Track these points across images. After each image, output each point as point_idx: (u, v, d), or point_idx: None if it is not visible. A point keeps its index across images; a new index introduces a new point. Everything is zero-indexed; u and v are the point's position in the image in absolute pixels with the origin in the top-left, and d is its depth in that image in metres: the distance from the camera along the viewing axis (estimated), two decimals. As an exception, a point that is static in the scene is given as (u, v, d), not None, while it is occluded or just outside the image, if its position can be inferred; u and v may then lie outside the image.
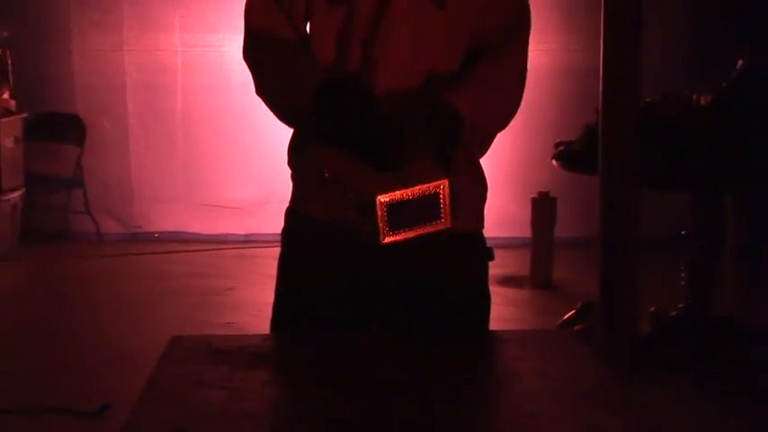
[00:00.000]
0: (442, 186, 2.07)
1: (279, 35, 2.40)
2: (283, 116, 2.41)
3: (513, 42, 2.41)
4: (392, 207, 2.04)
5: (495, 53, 2.37)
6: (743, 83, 5.19)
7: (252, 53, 2.45)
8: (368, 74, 2.33)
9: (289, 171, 2.54)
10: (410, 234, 2.09)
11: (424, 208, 2.08)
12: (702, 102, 5.20)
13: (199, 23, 8.08)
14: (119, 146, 8.23)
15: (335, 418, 1.87)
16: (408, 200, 2.05)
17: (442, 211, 2.09)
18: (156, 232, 8.26)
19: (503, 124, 2.41)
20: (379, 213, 2.04)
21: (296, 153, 2.48)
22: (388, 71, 2.32)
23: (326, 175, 2.23)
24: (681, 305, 5.34)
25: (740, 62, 5.27)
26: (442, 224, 2.11)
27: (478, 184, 2.49)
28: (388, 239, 2.07)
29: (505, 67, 2.41)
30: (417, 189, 2.05)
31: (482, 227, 2.53)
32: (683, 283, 5.33)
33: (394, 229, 2.06)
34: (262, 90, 2.42)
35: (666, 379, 4.81)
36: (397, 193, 2.04)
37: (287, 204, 2.57)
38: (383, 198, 2.03)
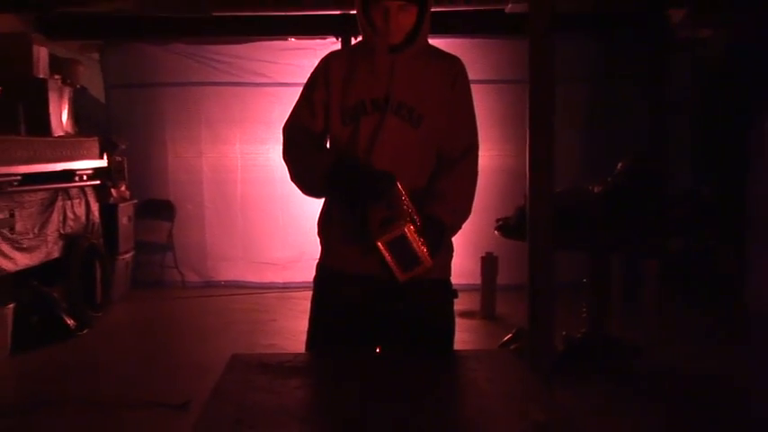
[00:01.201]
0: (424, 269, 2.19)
1: (304, 143, 2.44)
2: (308, 191, 2.45)
3: (469, 157, 2.42)
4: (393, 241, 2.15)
5: (458, 167, 2.38)
6: (622, 179, 5.22)
7: (286, 155, 2.49)
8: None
9: (317, 239, 2.53)
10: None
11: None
12: (595, 191, 5.21)
13: (252, 138, 8.08)
14: (197, 221, 8.20)
15: (348, 412, 1.87)
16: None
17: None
18: (222, 281, 8.18)
19: (465, 220, 2.42)
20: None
21: (324, 225, 2.49)
22: (382, 164, 2.32)
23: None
24: (583, 330, 5.30)
25: (620, 165, 5.30)
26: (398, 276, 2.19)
27: (448, 249, 2.48)
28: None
29: (466, 179, 2.41)
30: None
31: (450, 275, 2.51)
32: (584, 314, 5.30)
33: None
34: (293, 177, 2.45)
35: (575, 382, 4.77)
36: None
37: (314, 262, 2.55)
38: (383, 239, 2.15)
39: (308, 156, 2.42)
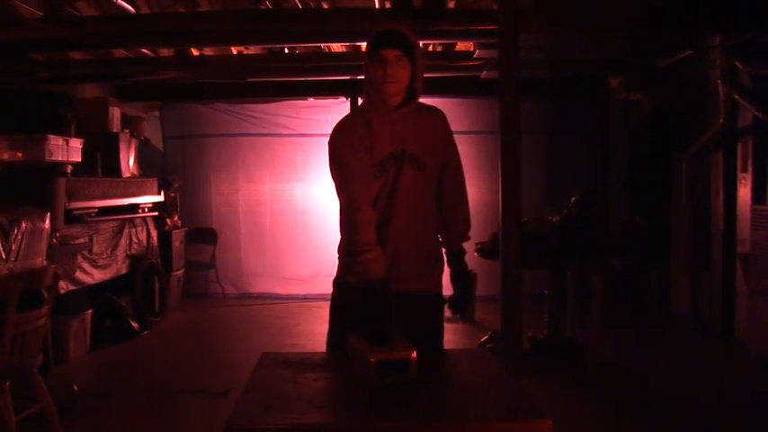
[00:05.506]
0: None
1: (361, 206, 2.31)
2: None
3: (462, 196, 2.56)
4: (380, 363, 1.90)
5: (457, 203, 2.55)
6: (575, 211, 5.20)
7: (347, 233, 2.38)
8: (390, 209, 2.38)
9: (331, 259, 2.51)
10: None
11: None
12: (554, 220, 5.19)
13: (279, 178, 8.06)
14: (235, 245, 8.16)
15: (357, 399, 1.84)
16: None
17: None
18: (255, 293, 8.12)
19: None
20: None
21: (343, 251, 2.47)
22: (400, 205, 2.38)
23: None
24: (545, 332, 5.25)
25: (573, 199, 5.29)
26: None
27: (441, 269, 2.53)
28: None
29: (464, 209, 2.57)
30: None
31: (441, 289, 2.52)
32: (546, 319, 5.25)
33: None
34: (346, 247, 2.39)
35: (538, 374, 4.75)
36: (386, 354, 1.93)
37: (328, 277, 2.55)
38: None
39: (359, 255, 2.23)
